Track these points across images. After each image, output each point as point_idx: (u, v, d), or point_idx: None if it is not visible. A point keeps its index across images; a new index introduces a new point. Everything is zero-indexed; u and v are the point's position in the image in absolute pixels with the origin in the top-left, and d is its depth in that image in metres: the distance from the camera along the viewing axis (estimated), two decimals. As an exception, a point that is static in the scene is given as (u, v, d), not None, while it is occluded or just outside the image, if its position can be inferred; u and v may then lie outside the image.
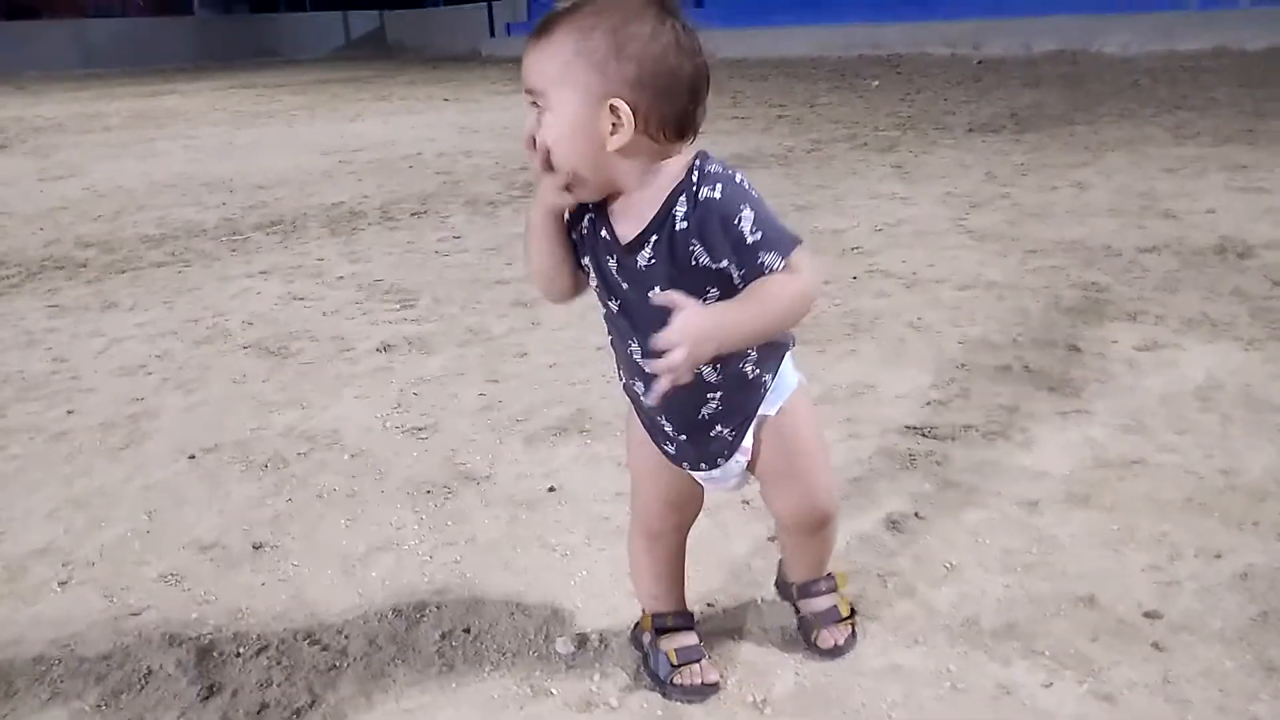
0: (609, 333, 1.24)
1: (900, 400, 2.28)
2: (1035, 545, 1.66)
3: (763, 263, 1.06)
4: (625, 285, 1.14)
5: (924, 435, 2.10)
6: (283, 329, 3.05)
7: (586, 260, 1.17)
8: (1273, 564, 1.57)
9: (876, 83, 9.42)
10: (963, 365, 2.48)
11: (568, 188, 1.09)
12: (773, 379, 1.22)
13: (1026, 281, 3.15)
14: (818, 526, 1.32)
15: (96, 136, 8.66)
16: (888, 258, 3.49)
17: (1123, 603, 1.49)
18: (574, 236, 1.17)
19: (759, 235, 1.06)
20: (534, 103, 1.09)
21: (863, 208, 4.33)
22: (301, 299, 3.38)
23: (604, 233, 1.14)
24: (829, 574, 1.42)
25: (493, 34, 21.64)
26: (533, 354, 2.73)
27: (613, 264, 1.14)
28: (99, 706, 1.39)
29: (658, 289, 1.10)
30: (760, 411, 1.23)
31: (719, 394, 1.19)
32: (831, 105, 7.96)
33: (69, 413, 2.46)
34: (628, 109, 1.05)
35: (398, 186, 5.49)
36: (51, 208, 5.32)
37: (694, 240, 1.09)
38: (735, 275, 1.08)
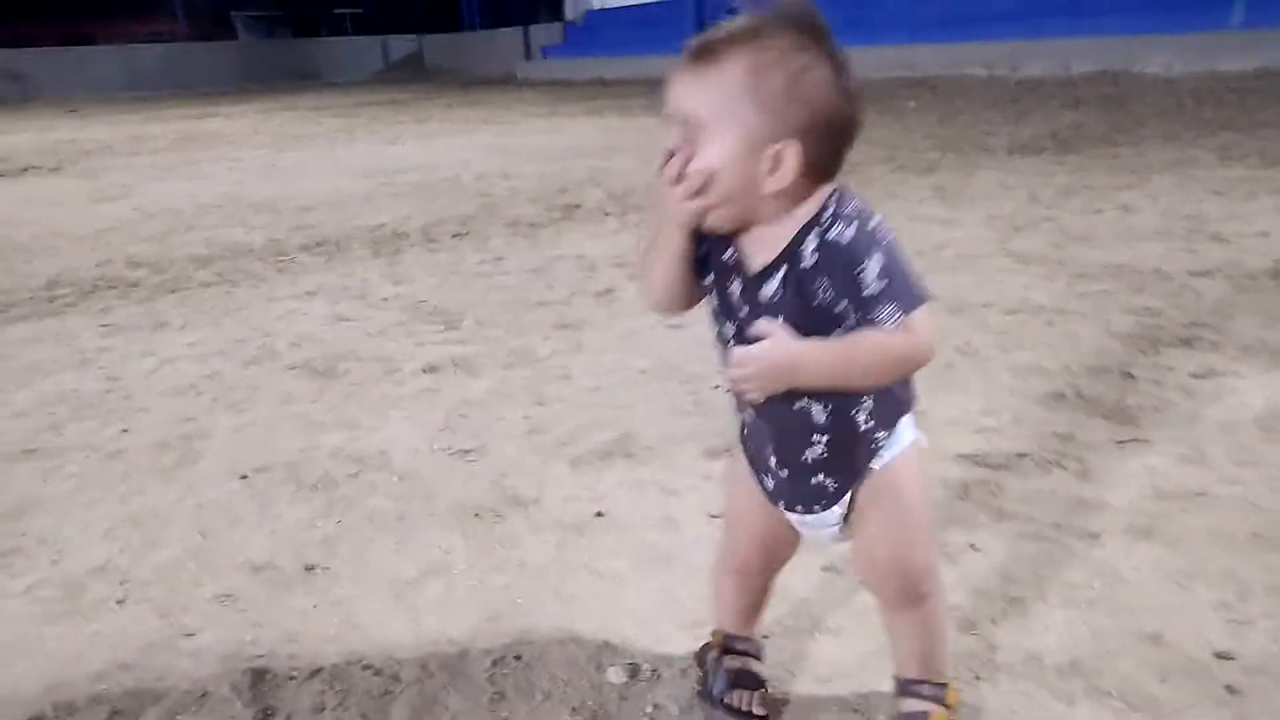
0: (720, 358, 1.21)
1: (951, 427, 2.25)
2: (1098, 579, 1.62)
3: (878, 315, 1.03)
4: (745, 310, 1.11)
5: (976, 464, 2.06)
6: (329, 349, 3.08)
7: (709, 279, 1.15)
8: (1347, 603, 1.52)
9: (914, 104, 9.38)
10: (1014, 392, 2.44)
11: (704, 214, 1.08)
12: (888, 435, 1.15)
13: (1075, 306, 3.10)
14: (909, 598, 1.21)
15: (144, 159, 8.85)
16: (932, 281, 3.41)
17: (1192, 641, 1.45)
18: (699, 253, 1.15)
19: (882, 286, 1.02)
20: (688, 133, 1.05)
21: (904, 230, 4.29)
22: (347, 320, 3.42)
23: (732, 256, 1.12)
24: (938, 683, 1.26)
25: (528, 57, 21.89)
26: (576, 377, 2.73)
27: (735, 288, 1.12)
28: (156, 728, 1.39)
29: (780, 320, 1.08)
30: (871, 467, 1.17)
31: (825, 438, 1.14)
32: (868, 127, 7.89)
33: (123, 431, 2.50)
34: (794, 156, 1.03)
35: (438, 209, 5.55)
36: (102, 228, 5.44)
37: (821, 278, 1.05)
38: (852, 320, 1.05)
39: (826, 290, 1.06)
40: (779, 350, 1.02)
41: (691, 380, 2.65)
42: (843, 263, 1.03)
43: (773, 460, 1.19)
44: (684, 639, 1.52)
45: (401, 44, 27.17)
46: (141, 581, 1.78)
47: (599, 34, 19.95)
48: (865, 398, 1.13)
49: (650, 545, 1.81)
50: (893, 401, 1.15)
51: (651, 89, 12.81)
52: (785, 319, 1.08)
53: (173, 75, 22.89)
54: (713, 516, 1.89)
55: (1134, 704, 1.33)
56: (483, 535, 1.88)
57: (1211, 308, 3.00)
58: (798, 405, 1.12)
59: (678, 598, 1.64)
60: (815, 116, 1.03)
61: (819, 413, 1.13)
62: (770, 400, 1.12)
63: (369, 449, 2.30)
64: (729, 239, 1.13)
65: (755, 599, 1.37)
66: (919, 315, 1.04)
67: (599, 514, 1.93)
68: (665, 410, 2.45)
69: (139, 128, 12.30)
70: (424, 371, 2.82)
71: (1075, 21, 11.26)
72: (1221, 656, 1.42)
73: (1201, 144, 6.00)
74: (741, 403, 1.19)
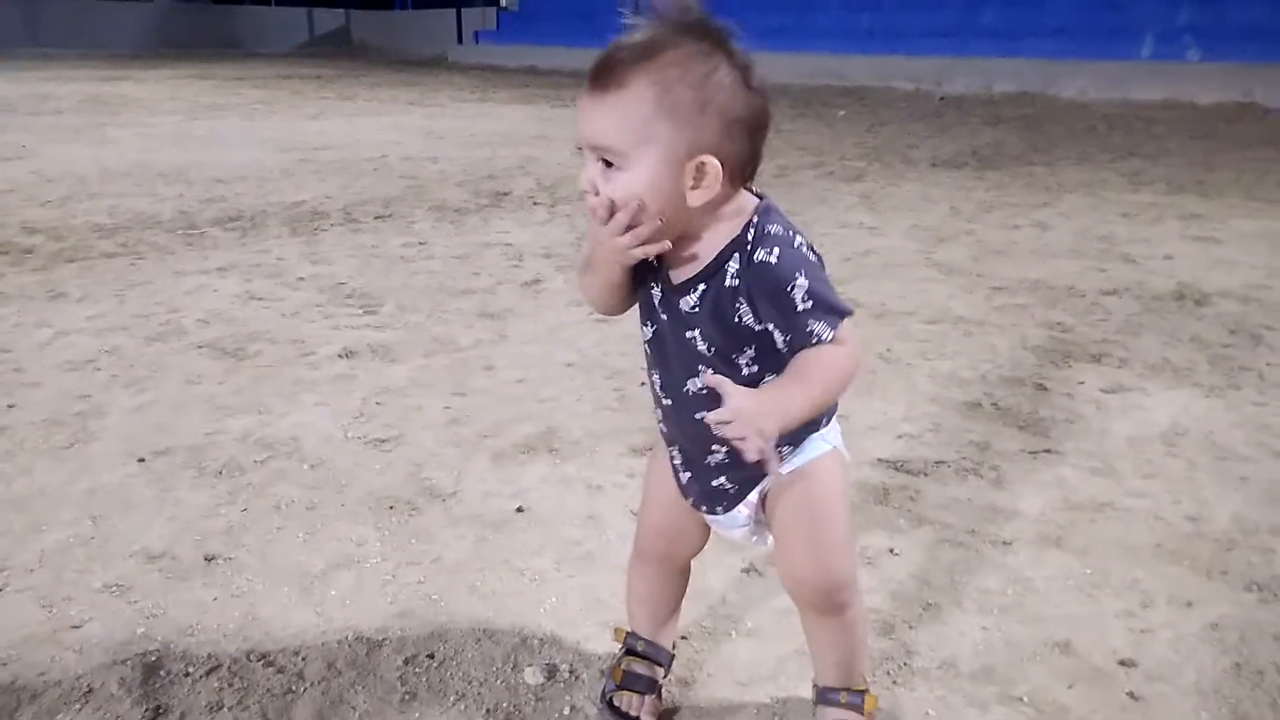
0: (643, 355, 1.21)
1: (872, 432, 2.27)
2: (1010, 586, 1.65)
3: (811, 331, 1.03)
4: (664, 316, 1.12)
5: (896, 469, 2.09)
6: (240, 329, 2.95)
7: (636, 274, 1.15)
8: (1243, 615, 1.58)
9: (843, 113, 9.54)
10: (933, 400, 2.48)
11: (648, 238, 1.04)
12: (793, 448, 1.15)
13: (993, 319, 3.18)
14: (828, 606, 1.20)
15: (47, 119, 8.39)
16: (857, 288, 3.51)
17: (1098, 650, 1.49)
18: None
19: (809, 304, 1.02)
20: (605, 160, 1.02)
21: (832, 237, 4.35)
22: (260, 299, 3.28)
23: (654, 262, 1.11)
24: (857, 690, 1.25)
25: (460, 41, 21.52)
26: (500, 368, 2.67)
27: (656, 293, 1.12)
28: (34, 727, 1.30)
29: (696, 333, 1.09)
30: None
31: (725, 448, 1.14)
32: (797, 132, 8.03)
33: (10, 406, 2.34)
34: (717, 165, 1.01)
35: (361, 189, 5.39)
36: (-4, 190, 5.13)
37: (740, 299, 1.05)
38: (780, 340, 1.05)
39: (746, 312, 1.06)
40: (749, 403, 0.98)
41: (617, 375, 2.62)
42: (770, 286, 1.03)
43: (678, 460, 1.21)
44: (605, 639, 1.49)
45: (328, 17, 26.41)
46: (23, 568, 1.66)
47: (533, 22, 19.73)
48: None
49: (573, 542, 1.77)
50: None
51: (581, 80, 12.72)
52: (700, 332, 1.09)
53: (83, 33, 21.75)
54: (636, 513, 1.86)
55: (1043, 710, 1.35)
56: (397, 528, 1.81)
57: (1120, 326, 3.11)
58: (699, 414, 1.10)
59: (600, 597, 1.60)
60: (729, 121, 1.02)
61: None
62: (677, 408, 1.14)
63: (279, 435, 2.20)
64: None
65: (655, 594, 1.34)
66: (845, 326, 1.05)
67: (520, 509, 1.89)
68: (590, 405, 2.41)
69: (42, 86, 11.65)
70: (340, 356, 2.72)
71: (998, 43, 11.62)
72: (1125, 664, 1.45)
73: (1112, 167, 6.25)
74: (659, 409, 1.20)
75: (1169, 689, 1.40)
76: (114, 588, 1.61)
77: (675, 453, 1.21)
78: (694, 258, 1.08)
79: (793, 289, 1.02)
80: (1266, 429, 2.31)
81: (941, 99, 10.61)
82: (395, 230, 4.39)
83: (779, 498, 1.17)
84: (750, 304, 1.05)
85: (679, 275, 1.09)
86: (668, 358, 1.14)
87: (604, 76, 1.01)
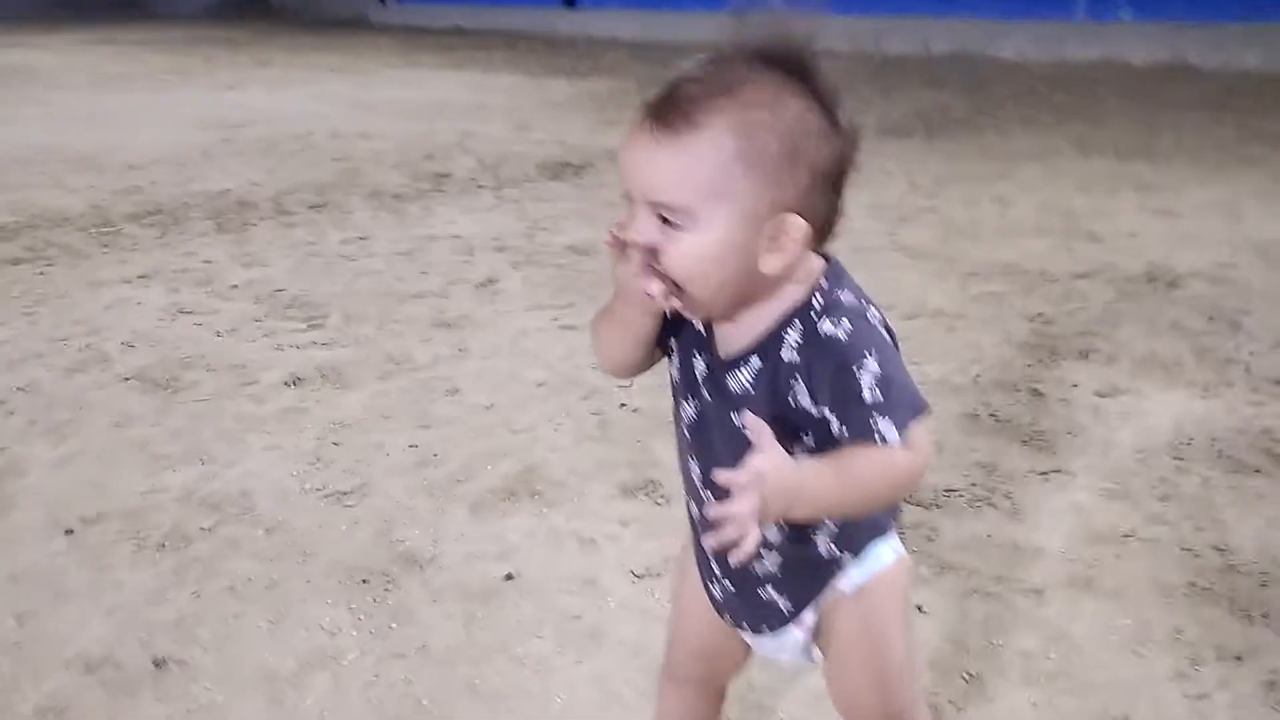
0: (676, 434, 1.02)
1: (874, 456, 2.14)
2: (1052, 647, 1.53)
3: (874, 429, 0.84)
4: (708, 396, 0.94)
5: (907, 501, 1.95)
6: (171, 353, 2.67)
7: (674, 343, 0.97)
8: (1293, 666, 1.49)
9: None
10: (931, 413, 2.35)
11: (681, 303, 0.87)
12: (855, 556, 0.98)
13: (972, 310, 3.07)
14: None
15: (-69, 95, 7.73)
16: (829, 279, 3.36)
17: (1158, 722, 1.38)
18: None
19: (878, 395, 0.84)
20: (664, 217, 0.84)
21: (793, 218, 4.19)
22: (190, 313, 3.00)
23: (702, 330, 0.94)
24: None
25: (384, 0, 20.66)
26: (465, 391, 2.46)
27: (701, 365, 0.95)
28: None
29: (741, 412, 0.89)
30: (836, 586, 1.00)
31: (779, 558, 0.97)
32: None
33: (-92, 467, 2.06)
34: (803, 225, 0.85)
35: (290, 173, 5.04)
36: (-122, 184, 4.66)
37: (797, 376, 0.88)
38: (836, 428, 0.87)
39: (803, 392, 0.88)
40: (777, 472, 0.81)
41: (594, 395, 2.43)
42: (834, 363, 0.86)
43: (716, 568, 1.02)
44: (626, 744, 1.33)
45: (236, -27, 25.06)
46: (-63, 689, 1.43)
47: (456, -22, 18.97)
48: (829, 523, 0.96)
49: (572, 616, 1.60)
50: (866, 524, 0.98)
51: (511, 43, 12.32)
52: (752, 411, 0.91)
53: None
54: (637, 576, 1.70)
55: (1117, 809, 1.24)
56: (373, 608, 1.62)
57: (1099, 314, 3.03)
58: None
59: (613, 689, 1.44)
60: (816, 175, 0.85)
61: (769, 529, 0.95)
62: (717, 488, 0.93)
63: (227, 490, 1.97)
64: None
65: (694, 717, 1.18)
66: (918, 429, 0.86)
67: (509, 576, 1.70)
68: (570, 435, 2.22)
69: (-76, 55, 10.78)
70: (286, 384, 2.48)
71: (935, 3, 11.52)
72: (1191, 740, 1.35)
73: (1060, 132, 6.20)
74: (695, 502, 1.01)
75: (1240, 770, 1.30)
76: (48, 711, 1.39)
77: (712, 558, 1.02)
78: (748, 325, 0.90)
79: (861, 372, 0.85)
80: (1268, 434, 2.24)
81: (882, 60, 10.50)
82: (332, 222, 4.09)
83: (836, 616, 1.00)
84: (807, 383, 0.88)
85: (728, 345, 0.92)
86: (712, 444, 0.95)
87: (672, 115, 0.82)
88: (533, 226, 4.04)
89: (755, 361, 0.90)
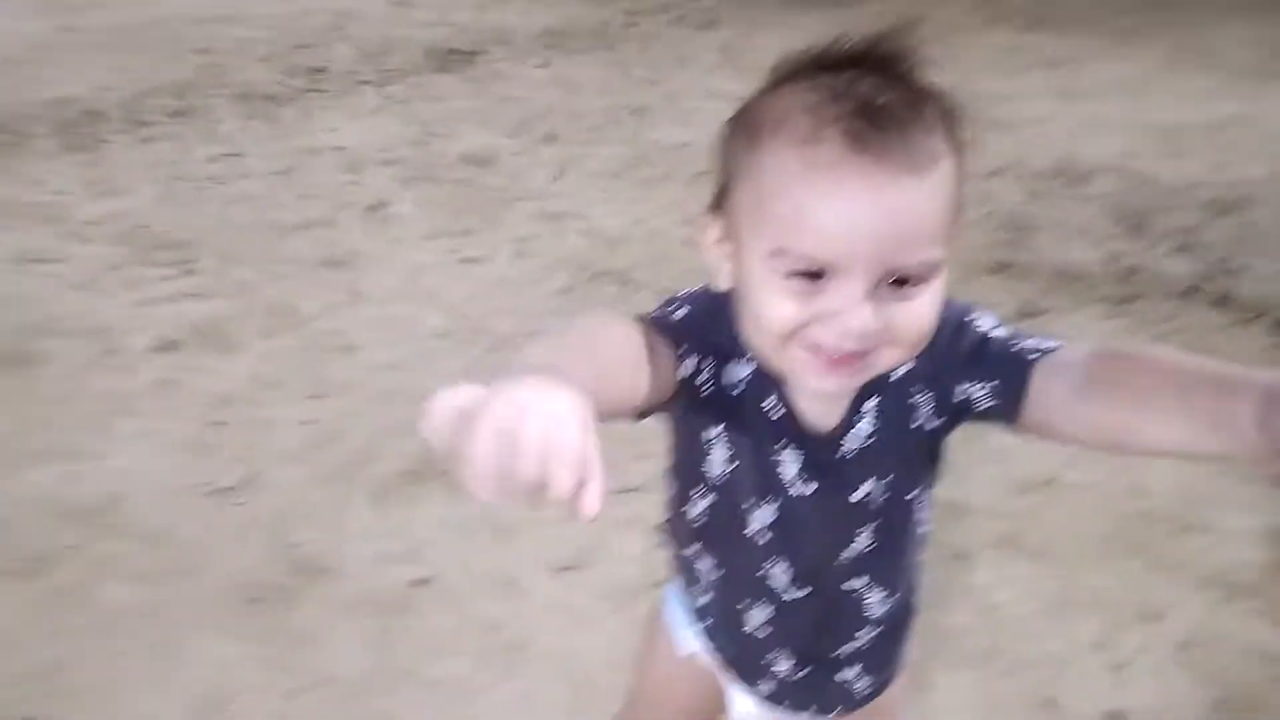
0: (697, 536, 0.83)
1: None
2: (982, 622, 1.52)
3: (1032, 348, 0.69)
4: (807, 486, 0.76)
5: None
6: (19, 317, 2.37)
7: (718, 434, 0.76)
8: (1208, 627, 1.52)
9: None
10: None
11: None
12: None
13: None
14: None
15: None
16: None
17: (1084, 701, 1.39)
18: (702, 392, 0.72)
19: (1009, 331, 0.71)
20: (900, 279, 0.63)
21: (701, 112, 3.96)
22: (39, 261, 2.67)
23: (776, 410, 0.74)
24: None
25: None
26: (361, 347, 2.26)
27: (789, 456, 0.75)
28: None
29: (870, 482, 0.75)
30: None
31: (878, 629, 0.84)
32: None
33: None
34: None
35: (144, 71, 4.50)
36: None
37: (918, 382, 0.72)
38: (982, 398, 0.71)
39: (926, 403, 0.73)
40: None
41: (502, 346, 2.26)
42: (948, 330, 0.70)
43: (784, 663, 0.86)
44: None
45: None
46: None
47: None
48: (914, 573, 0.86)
49: (492, 624, 1.50)
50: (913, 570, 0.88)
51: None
52: (880, 478, 0.75)
53: None
54: (559, 570, 1.60)
55: (1054, 809, 1.24)
56: (273, 632, 1.48)
57: (1011, 218, 2.98)
58: (849, 584, 0.82)
59: (536, 710, 1.36)
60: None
61: (875, 601, 0.83)
62: (818, 594, 0.81)
63: (94, 493, 1.77)
64: (775, 387, 0.73)
65: None
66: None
67: (421, 581, 1.58)
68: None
69: None
70: (156, 350, 2.24)
71: None
72: (1112, 717, 1.36)
73: (958, 1, 6.00)
74: (771, 604, 0.83)
75: (1166, 748, 1.32)
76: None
77: (782, 653, 0.86)
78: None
79: (974, 319, 0.72)
80: (1184, 354, 2.25)
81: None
82: (197, 135, 3.69)
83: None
84: (933, 381, 0.72)
85: (829, 414, 0.74)
86: (802, 539, 0.79)
87: (900, 144, 0.62)
88: (424, 132, 3.72)
89: (871, 402, 0.73)
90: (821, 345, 0.64)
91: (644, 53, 4.88)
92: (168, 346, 2.25)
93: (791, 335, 0.65)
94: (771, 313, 0.65)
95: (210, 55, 4.80)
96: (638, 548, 1.64)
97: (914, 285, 0.64)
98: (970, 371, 0.71)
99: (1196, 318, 2.41)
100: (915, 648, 1.40)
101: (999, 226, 2.92)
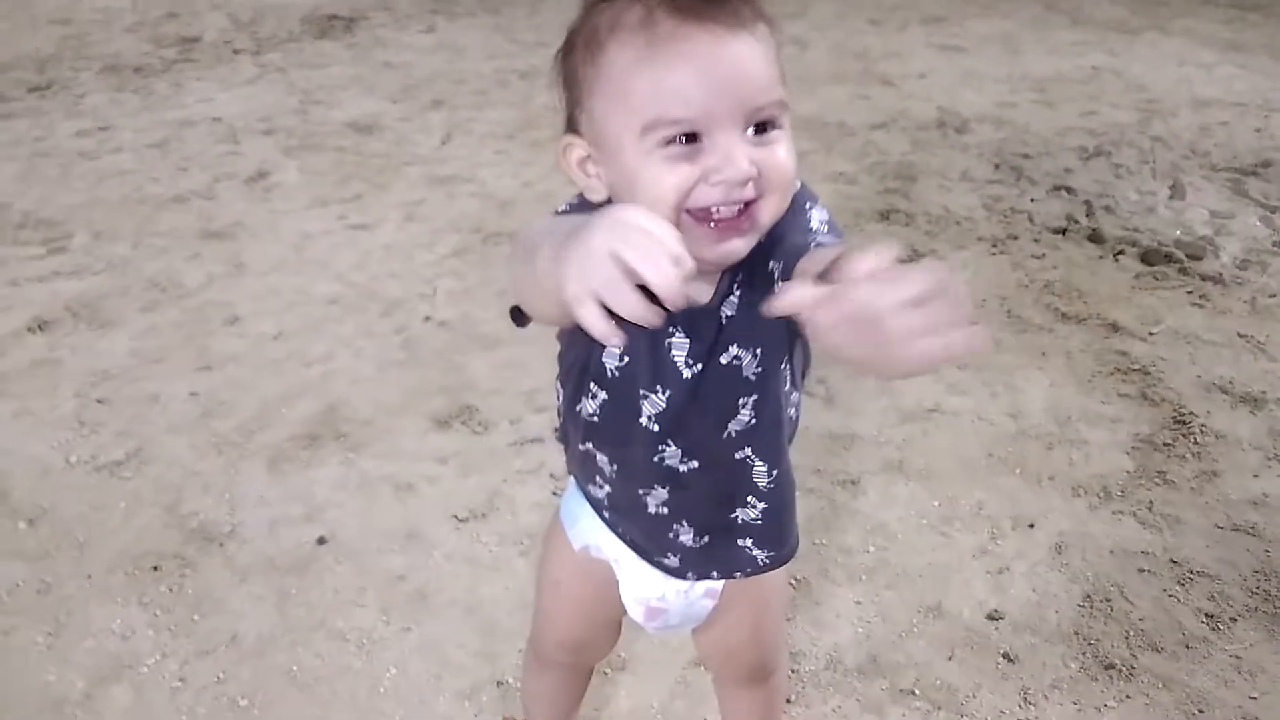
0: (590, 433, 0.87)
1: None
2: (871, 540, 1.60)
3: (819, 242, 0.73)
4: (693, 368, 0.80)
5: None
6: (-127, 303, 2.24)
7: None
8: (1077, 529, 1.63)
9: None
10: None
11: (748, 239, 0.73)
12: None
13: (776, 173, 3.05)
14: (759, 677, 1.07)
15: None
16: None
17: (967, 606, 1.48)
18: None
19: (827, 226, 0.76)
20: (762, 125, 0.70)
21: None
22: (-108, 245, 2.52)
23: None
24: None
25: None
26: (247, 318, 2.22)
27: (678, 340, 0.79)
28: None
29: (736, 351, 0.78)
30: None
31: (764, 501, 0.88)
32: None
33: None
34: None
35: (0, 43, 4.26)
36: None
37: (771, 256, 0.75)
38: (779, 277, 0.74)
39: (780, 267, 0.74)
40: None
41: (393, 310, 2.25)
42: (791, 214, 0.75)
43: (687, 533, 0.90)
44: (466, 713, 1.29)
45: None
46: None
47: None
48: (788, 459, 0.89)
49: (396, 577, 1.51)
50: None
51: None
52: (752, 346, 0.78)
53: None
54: (460, 520, 1.62)
55: (935, 700, 1.33)
56: (170, 600, 1.46)
57: (895, 169, 3.08)
58: (740, 453, 0.85)
59: (446, 654, 1.38)
60: None
61: (762, 475, 0.87)
62: (705, 468, 0.85)
63: (-28, 476, 1.71)
64: None
65: (562, 697, 1.16)
66: None
67: (321, 540, 1.58)
68: (372, 362, 2.06)
69: None
70: (31, 330, 2.15)
71: None
72: (993, 618, 1.46)
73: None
74: (664, 486, 0.87)
75: (1036, 639, 1.42)
76: None
77: (683, 526, 0.90)
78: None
79: (810, 208, 0.77)
80: (1049, 289, 2.38)
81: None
82: (62, 110, 3.51)
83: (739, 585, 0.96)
84: (778, 258, 0.74)
85: (705, 292, 0.77)
86: (691, 419, 0.82)
87: (729, 7, 0.69)
88: (305, 100, 3.63)
89: (739, 276, 0.76)
90: (712, 206, 0.69)
91: (532, 16, 4.84)
92: (41, 326, 2.16)
93: (682, 206, 0.69)
94: (661, 186, 0.69)
95: (71, 25, 4.56)
96: (539, 495, 1.68)
97: (771, 130, 0.70)
98: (785, 250, 0.75)
99: (1071, 252, 2.56)
100: (808, 565, 1.49)
101: (885, 175, 3.02)
